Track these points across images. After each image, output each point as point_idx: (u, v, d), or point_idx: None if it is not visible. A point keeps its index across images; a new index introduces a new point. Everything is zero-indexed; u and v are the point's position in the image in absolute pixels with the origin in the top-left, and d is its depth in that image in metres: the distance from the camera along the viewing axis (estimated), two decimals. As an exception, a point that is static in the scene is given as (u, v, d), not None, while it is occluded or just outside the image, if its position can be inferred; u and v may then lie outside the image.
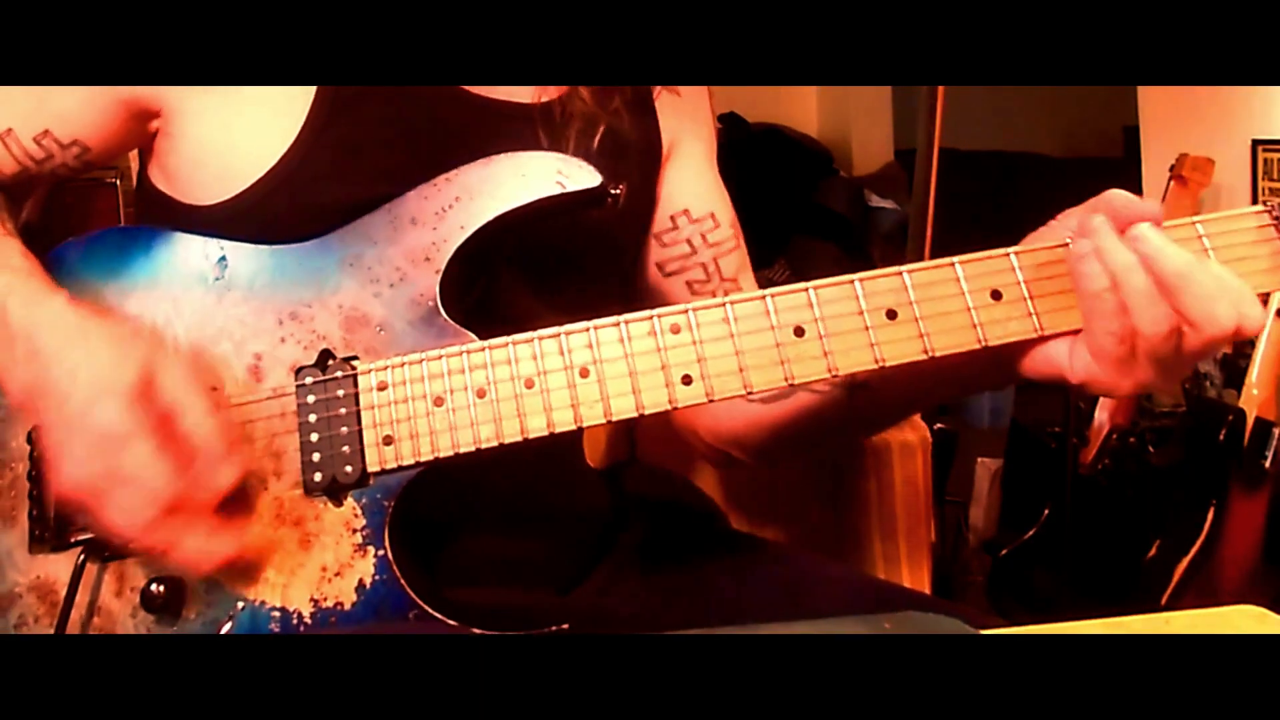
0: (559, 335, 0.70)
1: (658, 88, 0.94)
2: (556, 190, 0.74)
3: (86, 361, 0.69)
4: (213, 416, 0.69)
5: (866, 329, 0.66)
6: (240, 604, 0.73)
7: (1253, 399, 1.97)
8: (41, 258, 0.81)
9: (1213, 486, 1.99)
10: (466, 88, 0.84)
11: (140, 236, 0.81)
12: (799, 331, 0.67)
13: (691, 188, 0.96)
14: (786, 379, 0.67)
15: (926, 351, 0.66)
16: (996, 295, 0.66)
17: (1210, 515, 1.98)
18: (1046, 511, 2.23)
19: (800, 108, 4.28)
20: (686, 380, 0.67)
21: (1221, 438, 1.97)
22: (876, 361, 0.66)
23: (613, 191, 0.77)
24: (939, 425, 1.99)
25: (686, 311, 0.68)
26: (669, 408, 0.67)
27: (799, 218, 3.64)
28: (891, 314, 0.66)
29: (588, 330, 0.69)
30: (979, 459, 2.54)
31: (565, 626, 0.70)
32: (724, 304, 0.68)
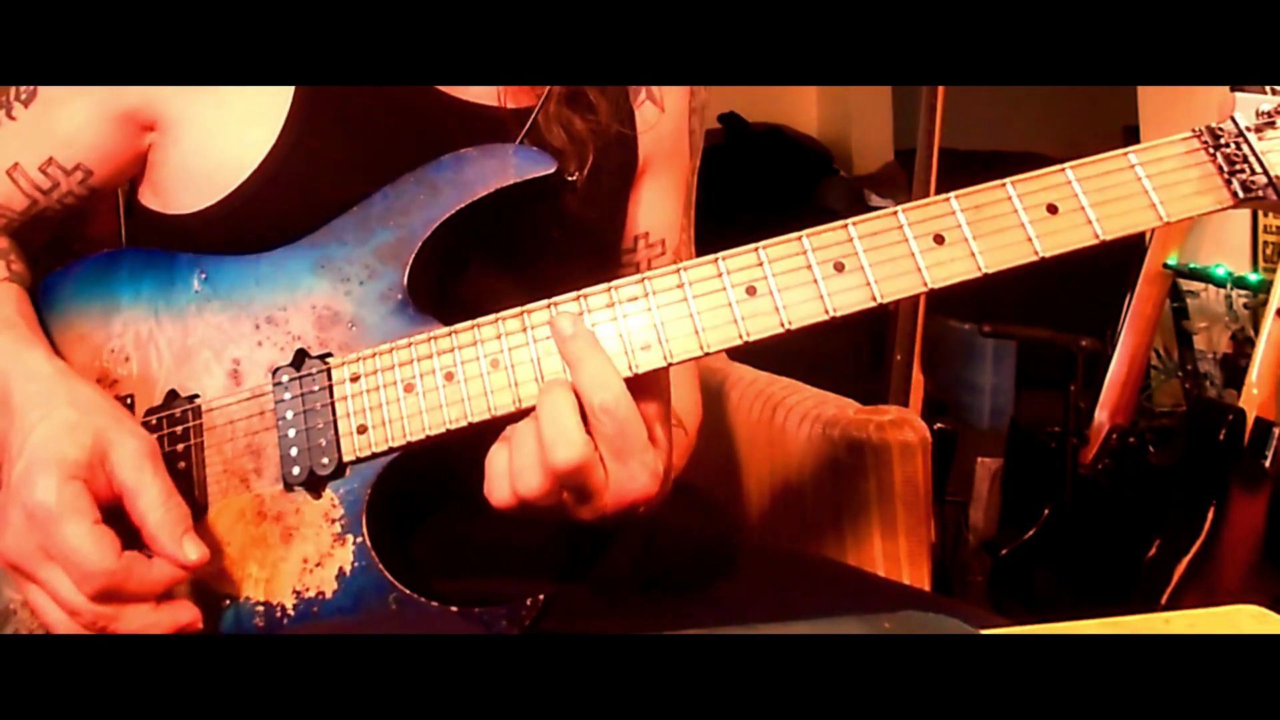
0: (521, 314, 0.72)
1: (641, 96, 0.95)
2: (514, 179, 0.77)
3: (42, 425, 0.69)
4: (167, 501, 0.69)
5: (815, 282, 0.68)
6: (225, 601, 0.74)
7: (1253, 399, 1.97)
8: (42, 262, 0.82)
9: (1213, 486, 1.99)
10: (445, 91, 0.84)
11: (125, 259, 0.84)
12: (751, 290, 0.69)
13: (655, 211, 0.99)
14: (741, 336, 0.69)
15: (874, 299, 0.68)
16: (939, 239, 0.68)
17: (1210, 515, 1.98)
18: (1046, 511, 2.23)
19: (800, 108, 4.28)
20: (645, 347, 0.69)
21: (1221, 438, 1.97)
22: (827, 312, 0.68)
23: (568, 178, 0.80)
24: (939, 425, 1.99)
25: (642, 281, 0.70)
26: (629, 374, 0.69)
27: (799, 218, 3.63)
28: (839, 266, 0.68)
29: (549, 307, 0.71)
30: (979, 459, 2.54)
31: (542, 597, 0.70)
32: (678, 270, 0.70)
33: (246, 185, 0.80)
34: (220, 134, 0.80)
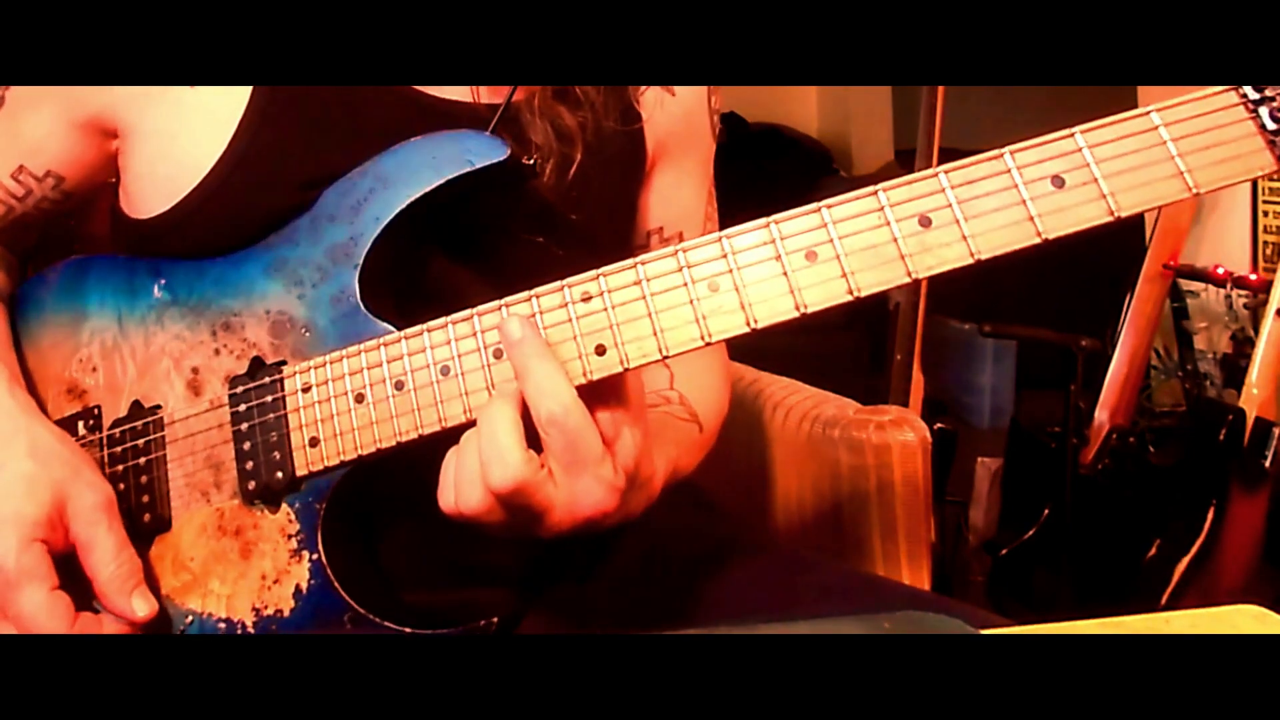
0: (471, 317, 0.67)
1: (642, 85, 0.91)
2: (466, 168, 0.73)
3: (2, 472, 0.70)
4: (119, 556, 0.70)
5: (785, 274, 0.61)
6: (189, 618, 0.73)
7: (1253, 399, 1.97)
8: (40, 258, 0.82)
9: (1213, 486, 1.99)
10: (415, 87, 0.82)
11: (93, 266, 0.83)
12: (714, 286, 0.62)
13: (670, 203, 0.94)
14: (703, 337, 0.62)
15: (851, 292, 0.60)
16: (925, 222, 0.59)
17: (1210, 515, 1.98)
18: (1046, 511, 2.23)
19: (800, 108, 4.29)
20: (600, 350, 0.63)
21: (1221, 438, 1.97)
22: (798, 309, 0.60)
23: (525, 162, 0.75)
24: (939, 425, 1.99)
25: (598, 278, 0.64)
26: (584, 380, 0.63)
27: (799, 218, 3.64)
28: (811, 255, 0.60)
29: (500, 309, 0.66)
30: (979, 459, 2.54)
31: (495, 620, 0.68)
32: (635, 265, 0.64)
33: (200, 188, 0.78)
34: (178, 138, 0.79)
